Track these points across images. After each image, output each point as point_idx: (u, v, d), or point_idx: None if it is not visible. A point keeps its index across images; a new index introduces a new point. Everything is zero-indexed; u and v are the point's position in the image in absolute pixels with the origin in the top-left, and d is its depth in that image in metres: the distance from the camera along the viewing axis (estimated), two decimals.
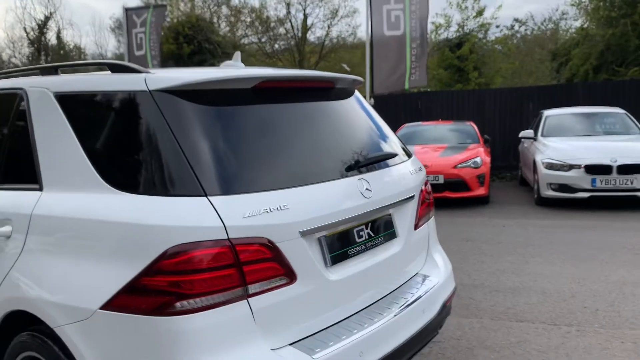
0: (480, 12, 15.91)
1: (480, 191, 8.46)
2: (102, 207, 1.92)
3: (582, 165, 7.76)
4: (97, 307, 1.84)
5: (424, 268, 2.71)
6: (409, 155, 2.80)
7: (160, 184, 1.87)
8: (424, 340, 2.48)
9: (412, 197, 2.63)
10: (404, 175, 2.62)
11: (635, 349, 3.36)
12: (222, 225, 1.79)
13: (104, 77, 2.21)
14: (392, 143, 2.72)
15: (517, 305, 4.19)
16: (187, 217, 1.78)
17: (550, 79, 18.61)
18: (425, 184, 2.83)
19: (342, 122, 2.50)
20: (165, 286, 1.74)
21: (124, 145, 2.01)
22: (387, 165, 2.53)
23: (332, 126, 2.42)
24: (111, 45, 36.72)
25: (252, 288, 1.84)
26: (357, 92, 2.76)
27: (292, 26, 28.90)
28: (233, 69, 2.39)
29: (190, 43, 16.28)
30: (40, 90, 2.33)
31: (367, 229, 2.32)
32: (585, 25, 17.92)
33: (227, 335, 1.80)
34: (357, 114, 2.63)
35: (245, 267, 1.82)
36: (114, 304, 1.81)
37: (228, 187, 1.87)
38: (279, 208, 1.92)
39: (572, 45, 18.38)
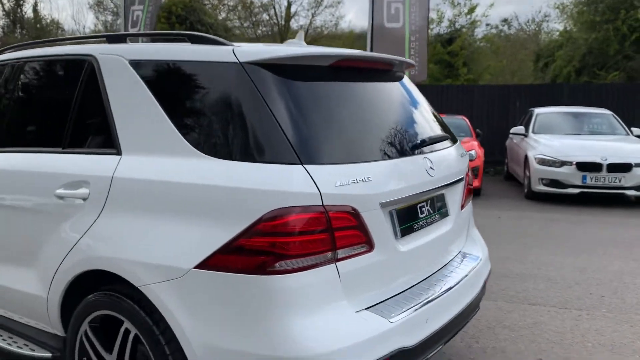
0: (472, 9, 16.19)
1: (475, 183, 8.70)
2: (194, 172, 2.00)
3: (574, 162, 8.05)
4: (191, 267, 1.92)
5: (466, 247, 2.86)
6: (455, 139, 2.93)
7: (256, 152, 1.96)
8: (470, 315, 2.63)
9: (462, 179, 2.77)
10: (456, 158, 2.76)
11: None
12: (318, 192, 1.89)
13: (186, 47, 2.27)
14: (443, 126, 2.85)
15: (526, 290, 4.39)
16: (286, 183, 1.88)
17: (534, 79, 19.05)
18: (468, 168, 2.97)
19: (403, 102, 2.62)
20: (265, 247, 1.84)
21: (215, 113, 2.08)
22: (444, 147, 2.67)
23: (395, 106, 2.54)
24: (89, 22, 35.92)
25: (341, 253, 1.95)
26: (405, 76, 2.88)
27: (275, 13, 28.82)
28: (312, 47, 2.48)
29: (182, 23, 16.14)
30: (114, 57, 2.38)
31: (427, 205, 2.45)
32: (569, 29, 18.36)
33: (318, 296, 1.90)
34: (412, 96, 2.75)
35: (336, 233, 1.93)
36: (209, 263, 1.89)
37: (320, 157, 1.97)
38: (363, 180, 2.03)
39: (556, 47, 18.84)
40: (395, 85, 2.67)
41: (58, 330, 2.50)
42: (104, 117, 2.34)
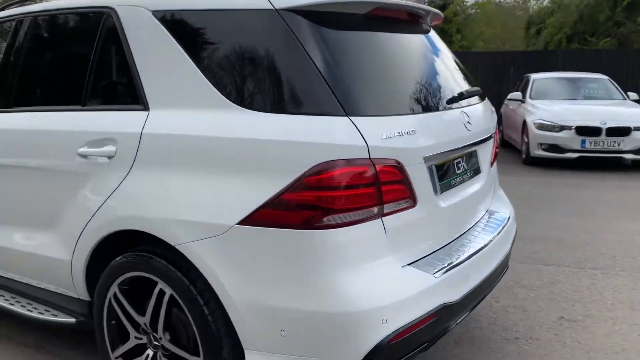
0: None
1: None
2: (233, 125, 1.91)
3: (573, 127, 8.04)
4: (233, 223, 1.85)
5: (493, 205, 2.82)
6: (483, 96, 2.86)
7: (297, 103, 1.87)
8: (502, 273, 2.60)
9: (492, 136, 2.72)
10: (487, 114, 2.70)
11: None
12: (365, 144, 1.81)
13: None
14: (472, 80, 2.78)
15: (539, 251, 4.39)
16: (332, 135, 1.80)
17: (525, 47, 18.96)
18: (497, 125, 2.91)
19: (435, 55, 2.53)
20: (312, 201, 1.77)
21: (250, 64, 1.98)
22: (476, 102, 2.60)
23: (429, 59, 2.45)
24: None
25: (387, 207, 1.89)
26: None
27: None
28: None
29: None
30: (135, 9, 2.25)
31: (463, 162, 2.39)
32: None
33: (365, 252, 1.84)
34: (442, 49, 2.66)
35: (383, 187, 1.86)
36: (253, 219, 1.82)
37: (364, 108, 1.89)
38: (408, 132, 1.96)
39: (547, 14, 18.74)
40: (426, 37, 2.58)
41: (82, 295, 2.43)
42: (127, 72, 2.23)
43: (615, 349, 2.83)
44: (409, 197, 1.97)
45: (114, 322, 2.32)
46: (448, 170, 2.25)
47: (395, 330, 1.82)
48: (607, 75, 10.27)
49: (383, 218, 1.89)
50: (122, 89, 2.29)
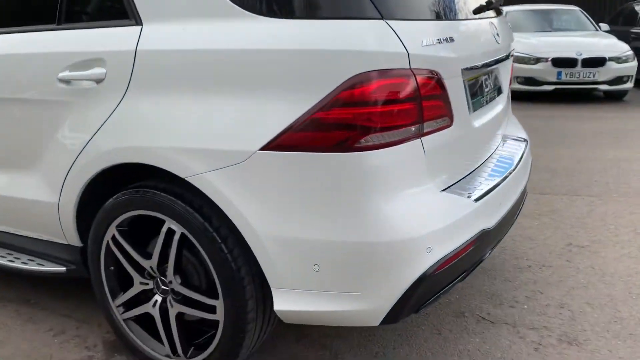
0: None
1: None
2: (247, 36, 1.64)
3: (549, 59, 7.95)
4: (255, 148, 1.62)
5: (509, 129, 2.66)
6: (499, 10, 2.65)
7: (326, 5, 1.61)
8: (524, 199, 2.47)
9: (511, 53, 2.52)
10: (507, 28, 2.49)
11: None
12: (405, 52, 1.59)
13: None
14: None
15: (533, 180, 4.33)
16: (368, 42, 1.56)
17: None
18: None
19: None
20: (347, 119, 1.55)
21: None
22: (497, 15, 2.38)
23: None
24: None
25: (427, 126, 1.69)
26: None
27: None
28: None
29: None
30: None
31: (489, 79, 2.20)
32: None
33: (405, 176, 1.65)
34: None
35: (424, 103, 1.66)
36: (278, 143, 1.59)
37: (402, 10, 1.65)
38: (447, 40, 1.74)
39: None
40: None
41: (73, 241, 2.18)
42: None
43: (629, 272, 2.79)
44: (447, 115, 1.78)
45: (112, 268, 2.09)
46: (478, 88, 2.06)
47: (440, 260, 1.67)
48: (577, 6, 10.16)
49: (422, 138, 1.69)
50: (107, 2, 1.97)
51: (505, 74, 2.46)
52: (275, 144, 1.60)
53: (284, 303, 1.72)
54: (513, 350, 2.17)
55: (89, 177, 1.97)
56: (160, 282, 1.98)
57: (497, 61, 2.21)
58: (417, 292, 1.65)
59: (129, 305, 2.09)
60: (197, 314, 1.91)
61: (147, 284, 2.01)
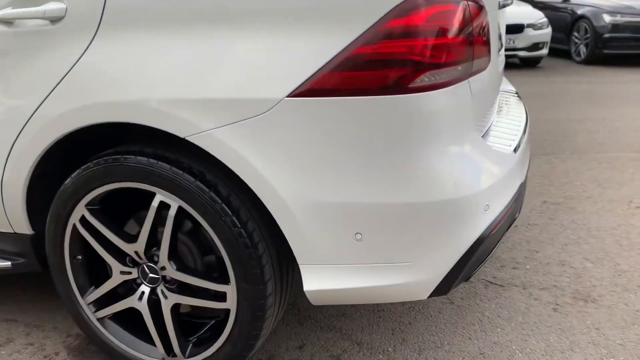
0: None
1: None
2: None
3: None
4: (282, 95, 1.30)
5: (504, 84, 2.51)
6: None
7: None
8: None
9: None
10: None
11: None
12: None
13: None
14: None
15: None
16: None
17: None
18: None
19: None
20: (400, 54, 1.27)
21: None
22: None
23: None
24: None
25: (475, 65, 1.46)
26: None
27: None
28: None
29: None
30: None
31: (500, 22, 2.00)
32: None
33: (457, 124, 1.40)
34: None
35: (475, 37, 1.42)
36: (312, 87, 1.29)
37: None
38: None
39: None
40: None
41: (21, 228, 1.74)
42: None
43: (612, 226, 2.77)
44: (488, 54, 1.56)
45: (80, 257, 1.69)
46: (495, 30, 1.86)
47: (496, 218, 1.46)
48: None
49: (470, 79, 1.46)
50: None
51: (502, 25, 2.28)
52: (307, 89, 1.29)
53: (316, 282, 1.44)
54: (533, 312, 2.04)
55: (44, 146, 1.55)
56: (147, 270, 1.62)
57: (503, 5, 2.03)
58: (474, 257, 1.44)
59: (105, 301, 1.71)
60: (200, 303, 1.58)
61: (129, 273, 1.64)
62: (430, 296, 1.46)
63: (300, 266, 1.44)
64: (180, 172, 1.45)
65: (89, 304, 1.71)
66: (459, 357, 1.81)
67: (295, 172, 1.35)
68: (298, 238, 1.40)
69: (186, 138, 1.39)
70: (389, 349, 1.85)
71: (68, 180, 1.58)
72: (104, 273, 1.75)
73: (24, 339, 1.94)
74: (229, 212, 1.44)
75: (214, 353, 1.60)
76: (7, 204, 1.69)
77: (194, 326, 1.71)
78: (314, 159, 1.34)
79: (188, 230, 1.58)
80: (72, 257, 1.68)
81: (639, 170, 3.59)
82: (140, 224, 1.57)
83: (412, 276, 1.41)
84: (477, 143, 1.48)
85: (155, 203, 1.50)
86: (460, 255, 1.40)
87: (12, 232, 1.77)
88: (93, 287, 1.72)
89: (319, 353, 1.84)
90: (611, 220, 2.82)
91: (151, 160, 1.47)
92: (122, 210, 1.65)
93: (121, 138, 1.64)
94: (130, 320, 1.75)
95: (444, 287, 1.45)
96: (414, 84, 1.29)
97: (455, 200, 1.35)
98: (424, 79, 1.30)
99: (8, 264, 1.82)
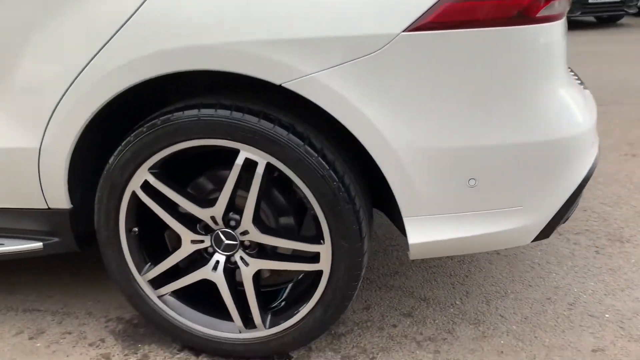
0: None
1: None
2: None
3: None
4: (399, 30, 1.19)
5: None
6: None
7: None
8: None
9: None
10: None
11: None
12: None
13: None
14: None
15: None
16: None
17: None
18: None
19: None
20: None
21: None
22: None
23: None
24: None
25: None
26: None
27: None
28: None
29: None
30: None
31: None
32: None
33: (564, 57, 1.36)
34: None
35: None
36: (433, 20, 1.18)
37: None
38: None
39: None
40: None
41: (58, 202, 1.53)
42: None
43: (612, 171, 2.88)
44: None
45: (135, 229, 1.51)
46: None
47: (596, 156, 1.44)
48: None
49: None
50: None
51: None
52: (426, 22, 1.19)
53: (422, 235, 1.36)
54: (578, 256, 2.07)
55: (98, 105, 1.36)
56: (222, 237, 1.47)
57: None
58: (578, 196, 1.41)
59: (166, 276, 1.54)
60: (289, 267, 1.46)
61: (201, 241, 1.48)
62: (533, 240, 1.43)
63: (404, 219, 1.35)
64: (270, 125, 1.31)
65: (149, 280, 1.54)
66: (527, 304, 1.80)
67: (408, 117, 1.25)
68: (406, 189, 1.31)
69: (282, 85, 1.25)
70: (457, 302, 1.82)
71: (125, 143, 1.39)
72: (161, 246, 1.58)
73: (57, 328, 1.74)
74: (326, 165, 1.32)
75: (301, 319, 1.49)
76: (44, 174, 1.47)
77: (266, 295, 1.59)
78: (430, 101, 1.24)
79: (273, 189, 1.45)
80: (128, 229, 1.50)
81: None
82: (201, 187, 1.42)
83: (521, 221, 1.37)
84: (571, 79, 1.45)
85: (239, 161, 1.35)
86: (569, 195, 1.37)
87: (46, 207, 1.55)
88: (150, 263, 1.55)
89: (389, 312, 1.77)
90: (609, 166, 2.93)
91: (235, 113, 1.31)
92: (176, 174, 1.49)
93: (188, 88, 1.47)
94: (192, 295, 1.60)
95: (548, 230, 1.41)
96: (540, 14, 1.22)
97: (571, 138, 1.31)
98: (546, 9, 1.23)
99: (39, 245, 1.61)
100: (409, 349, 1.61)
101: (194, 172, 1.54)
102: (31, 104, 1.40)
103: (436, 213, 1.34)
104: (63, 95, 1.36)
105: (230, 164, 1.37)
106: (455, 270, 2.00)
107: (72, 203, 1.54)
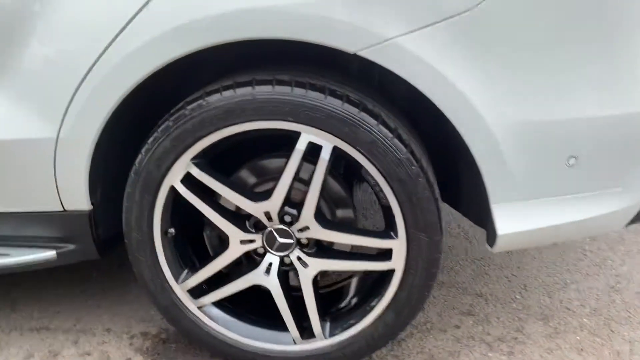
0: None
1: None
2: None
3: None
4: None
5: None
6: None
7: None
8: None
9: None
10: None
11: None
12: None
13: None
14: None
15: None
16: None
17: None
18: None
19: None
20: None
21: None
22: None
23: None
24: None
25: None
26: None
27: None
28: None
29: None
30: None
31: None
32: None
33: None
34: None
35: None
36: None
37: None
38: None
39: None
40: None
41: (77, 203, 1.30)
42: None
43: None
44: None
45: (172, 230, 1.30)
46: None
47: None
48: None
49: None
50: None
51: None
52: None
53: (512, 224, 1.19)
54: (628, 240, 1.95)
55: (127, 88, 1.14)
56: (276, 235, 1.27)
57: None
58: None
59: (209, 284, 1.34)
60: (356, 267, 1.27)
61: (251, 241, 1.28)
62: (626, 225, 1.28)
63: (492, 207, 1.18)
64: (339, 101, 1.12)
65: (189, 290, 1.33)
66: (592, 294, 1.67)
67: (504, 87, 1.08)
68: (498, 171, 1.14)
69: (357, 53, 1.06)
70: (517, 297, 1.67)
71: (162, 130, 1.18)
72: (196, 251, 1.38)
73: (74, 349, 1.51)
74: (403, 147, 1.14)
75: (368, 326, 1.30)
76: (61, 170, 1.25)
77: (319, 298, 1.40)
78: (529, 67, 1.07)
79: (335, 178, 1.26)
80: (164, 231, 1.28)
81: None
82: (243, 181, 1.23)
83: (620, 203, 1.22)
84: None
85: (301, 145, 1.16)
86: None
87: (61, 210, 1.32)
88: (187, 269, 1.34)
89: (447, 312, 1.61)
90: None
91: (297, 89, 1.12)
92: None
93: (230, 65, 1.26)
94: (235, 304, 1.39)
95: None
96: None
97: None
98: None
99: (52, 254, 1.38)
100: (480, 351, 1.44)
101: (230, 165, 1.34)
102: (48, 89, 1.17)
103: (529, 198, 1.18)
104: (82, 80, 1.14)
105: (274, 152, 1.18)
106: (504, 261, 1.85)
107: (91, 203, 1.31)
